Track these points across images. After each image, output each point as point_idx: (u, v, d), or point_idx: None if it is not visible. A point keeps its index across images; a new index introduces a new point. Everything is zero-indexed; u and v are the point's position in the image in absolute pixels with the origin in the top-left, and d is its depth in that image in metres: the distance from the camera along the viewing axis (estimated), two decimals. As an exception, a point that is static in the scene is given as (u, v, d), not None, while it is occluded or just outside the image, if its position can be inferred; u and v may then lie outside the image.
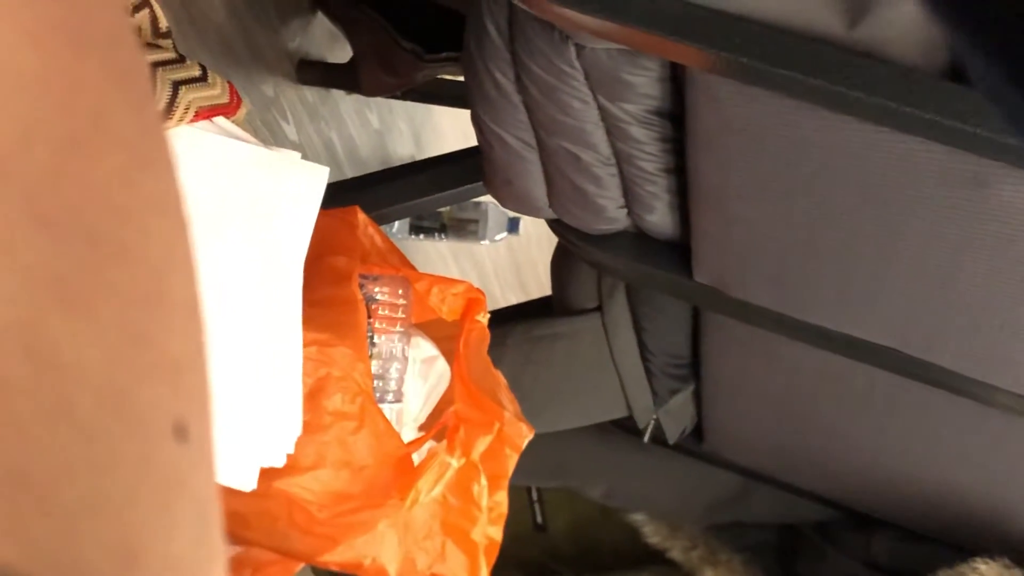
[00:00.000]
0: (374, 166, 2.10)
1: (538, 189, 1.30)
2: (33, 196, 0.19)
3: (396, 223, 2.10)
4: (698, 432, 1.74)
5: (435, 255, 2.43)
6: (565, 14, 1.01)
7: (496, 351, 1.49)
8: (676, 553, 1.96)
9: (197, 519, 0.22)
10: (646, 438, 1.66)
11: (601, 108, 1.14)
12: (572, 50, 1.09)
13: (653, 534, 1.98)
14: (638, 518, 2.00)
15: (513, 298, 2.86)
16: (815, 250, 1.17)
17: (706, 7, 0.96)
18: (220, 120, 0.98)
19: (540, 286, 2.88)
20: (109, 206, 0.21)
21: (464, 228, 2.16)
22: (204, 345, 0.24)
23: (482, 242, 2.18)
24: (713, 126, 1.09)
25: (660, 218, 1.27)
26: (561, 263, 1.61)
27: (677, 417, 1.66)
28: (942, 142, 0.95)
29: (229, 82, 0.99)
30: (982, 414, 1.33)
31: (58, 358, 0.19)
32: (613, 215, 1.29)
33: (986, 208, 1.01)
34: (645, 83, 1.11)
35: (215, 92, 0.96)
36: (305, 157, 1.01)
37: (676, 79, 1.10)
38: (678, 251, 1.31)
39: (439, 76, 1.77)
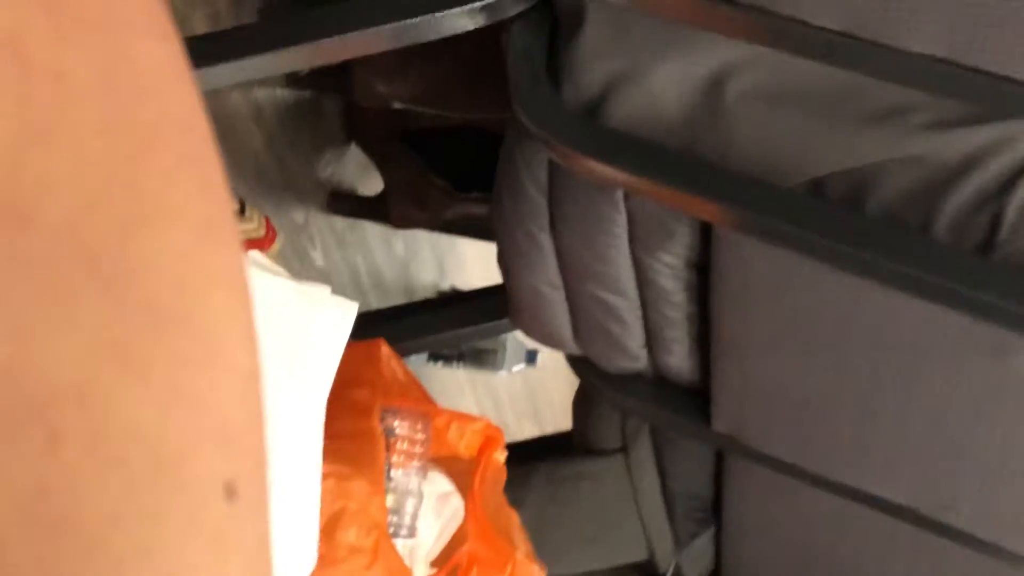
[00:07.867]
0: (397, 292, 2.12)
1: (564, 327, 1.31)
2: (98, 260, 0.21)
3: (415, 350, 2.10)
4: None
5: (451, 382, 2.43)
6: (605, 172, 1.03)
7: (519, 491, 1.48)
8: None
9: (245, 573, 0.23)
10: None
11: (636, 260, 1.16)
12: (619, 193, 1.11)
13: None
14: None
15: (528, 426, 2.85)
16: (832, 407, 1.17)
17: (731, 170, 0.99)
18: (253, 254, 1.00)
19: (555, 417, 2.88)
20: (170, 277, 0.22)
21: (482, 358, 2.17)
22: (261, 410, 0.25)
23: (499, 372, 2.19)
24: (737, 281, 1.10)
25: (679, 361, 1.28)
26: (584, 403, 1.61)
27: (697, 561, 1.65)
28: (963, 311, 0.96)
29: (266, 216, 1.01)
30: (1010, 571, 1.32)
31: (113, 413, 0.20)
32: (635, 353, 1.30)
33: (1005, 377, 1.02)
34: (685, 232, 1.12)
35: (252, 226, 0.98)
36: (330, 282, 1.03)
37: (706, 232, 1.12)
38: (697, 398, 1.32)
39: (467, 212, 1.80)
